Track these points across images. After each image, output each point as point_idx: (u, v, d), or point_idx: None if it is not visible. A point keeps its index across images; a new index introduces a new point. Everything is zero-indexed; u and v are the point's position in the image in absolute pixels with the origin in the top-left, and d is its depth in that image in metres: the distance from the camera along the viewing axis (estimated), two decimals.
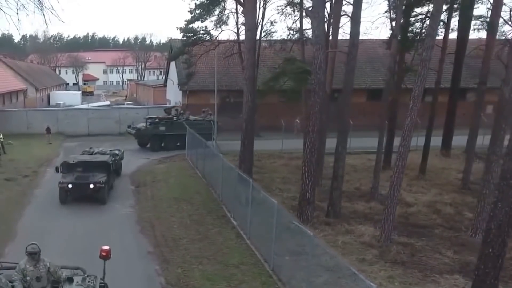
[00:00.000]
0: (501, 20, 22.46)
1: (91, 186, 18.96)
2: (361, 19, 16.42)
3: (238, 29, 33.26)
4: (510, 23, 22.94)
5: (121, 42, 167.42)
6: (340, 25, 22.67)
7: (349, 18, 21.14)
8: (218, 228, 16.19)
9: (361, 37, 17.01)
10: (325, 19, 22.70)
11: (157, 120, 31.72)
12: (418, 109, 13.36)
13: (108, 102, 68.73)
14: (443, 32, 25.53)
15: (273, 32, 33.67)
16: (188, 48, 32.34)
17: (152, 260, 13.82)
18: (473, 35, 28.21)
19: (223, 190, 18.97)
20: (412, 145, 21.81)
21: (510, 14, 21.98)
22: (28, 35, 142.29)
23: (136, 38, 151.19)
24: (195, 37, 30.77)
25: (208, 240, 15.16)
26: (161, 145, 31.41)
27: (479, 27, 25.78)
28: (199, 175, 23.68)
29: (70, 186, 19.12)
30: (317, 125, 14.86)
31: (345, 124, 17.25)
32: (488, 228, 8.87)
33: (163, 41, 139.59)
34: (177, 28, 31.33)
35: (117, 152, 23.95)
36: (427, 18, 22.34)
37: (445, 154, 27.60)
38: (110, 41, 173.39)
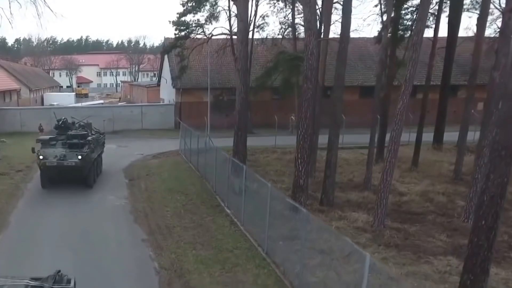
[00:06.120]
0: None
1: None
2: (353, 16, 16.66)
3: (230, 26, 33.42)
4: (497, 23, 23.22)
5: (114, 45, 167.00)
6: (332, 22, 22.90)
7: (340, 15, 21.35)
8: (211, 217, 16.21)
9: (353, 35, 17.24)
10: (317, 14, 22.90)
11: (88, 139, 20.68)
12: (410, 92, 13.48)
13: (101, 101, 68.61)
14: (433, 27, 25.79)
15: (265, 24, 33.75)
16: (180, 42, 32.40)
17: (146, 246, 13.80)
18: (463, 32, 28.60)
19: (217, 181, 18.96)
20: (404, 140, 21.96)
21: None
22: (21, 38, 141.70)
23: (129, 41, 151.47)
24: (187, 30, 30.85)
25: (202, 227, 15.18)
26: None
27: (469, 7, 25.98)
28: (193, 169, 23.66)
29: None
30: (310, 111, 14.90)
31: (338, 115, 17.36)
32: (481, 201, 8.90)
33: (156, 43, 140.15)
34: (169, 21, 30.97)
35: None
36: (417, 11, 22.54)
37: (437, 148, 27.79)
38: (104, 44, 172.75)
